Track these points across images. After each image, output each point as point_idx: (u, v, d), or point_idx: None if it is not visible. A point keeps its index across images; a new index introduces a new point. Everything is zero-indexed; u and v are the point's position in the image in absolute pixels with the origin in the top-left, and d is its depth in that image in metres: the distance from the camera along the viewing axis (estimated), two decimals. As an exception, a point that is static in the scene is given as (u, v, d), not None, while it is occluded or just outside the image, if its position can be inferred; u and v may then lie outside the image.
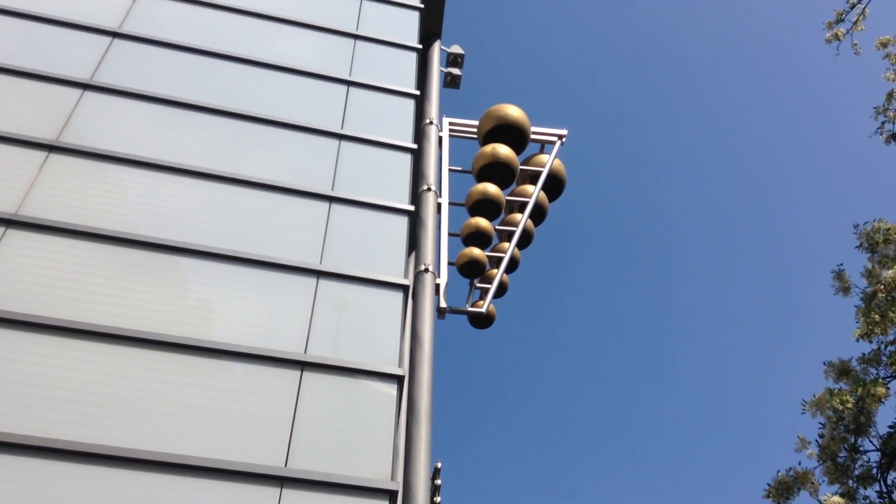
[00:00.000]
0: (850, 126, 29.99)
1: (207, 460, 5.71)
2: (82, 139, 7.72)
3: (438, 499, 7.56)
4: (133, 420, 5.86)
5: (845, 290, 10.69)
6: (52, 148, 7.49)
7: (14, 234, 6.74)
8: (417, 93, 9.66)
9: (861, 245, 10.74)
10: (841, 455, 9.65)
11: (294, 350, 6.59)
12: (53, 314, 6.27)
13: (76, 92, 8.12)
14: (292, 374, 6.43)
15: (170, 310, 6.65)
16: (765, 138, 33.68)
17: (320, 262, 7.36)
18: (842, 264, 11.02)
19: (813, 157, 33.03)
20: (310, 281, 7.17)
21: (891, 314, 9.45)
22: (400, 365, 6.83)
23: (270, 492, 5.70)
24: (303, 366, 6.50)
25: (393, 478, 6.06)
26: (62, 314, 6.29)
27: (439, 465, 7.66)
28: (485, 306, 8.70)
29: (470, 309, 8.69)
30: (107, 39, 8.80)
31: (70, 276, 6.62)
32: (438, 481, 7.59)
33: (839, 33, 13.03)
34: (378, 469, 6.05)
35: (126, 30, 8.96)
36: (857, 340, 10.07)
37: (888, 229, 10.50)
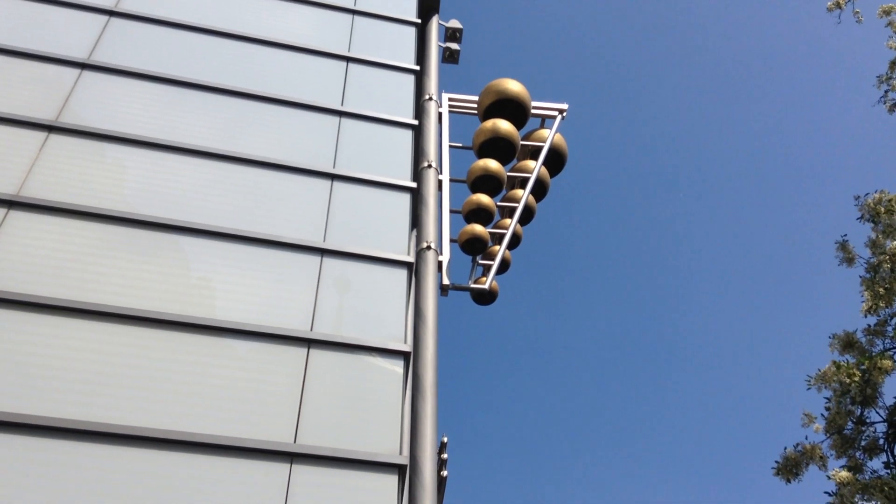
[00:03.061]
0: (853, 95, 29.87)
1: (217, 437, 5.73)
2: (82, 119, 7.67)
3: (445, 472, 7.60)
4: (139, 399, 5.87)
5: (849, 260, 10.69)
6: (51, 128, 7.44)
7: (16, 216, 6.71)
8: (417, 68, 9.60)
9: (863, 216, 10.73)
10: (848, 428, 9.68)
11: (300, 328, 6.60)
12: (56, 294, 6.26)
13: (74, 72, 8.06)
14: (299, 352, 6.43)
15: (172, 289, 6.64)
16: (767, 109, 33.57)
17: (324, 240, 7.34)
18: (846, 235, 11.04)
19: (815, 127, 32.93)
20: (314, 259, 7.16)
21: (896, 286, 9.46)
22: (405, 341, 6.84)
23: (280, 467, 5.73)
24: (309, 343, 6.50)
25: (401, 452, 6.09)
26: (65, 294, 6.29)
27: (445, 439, 7.68)
28: (487, 282, 8.70)
29: (473, 285, 8.69)
30: (103, 18, 8.72)
31: (72, 257, 6.61)
32: (445, 455, 7.62)
33: (840, 1, 12.92)
34: (386, 444, 6.08)
35: (123, 8, 8.87)
36: (865, 315, 10.09)
37: (890, 200, 10.48)
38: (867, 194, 10.85)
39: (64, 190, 7.02)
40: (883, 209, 10.50)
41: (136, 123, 7.79)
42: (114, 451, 5.55)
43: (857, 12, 13.02)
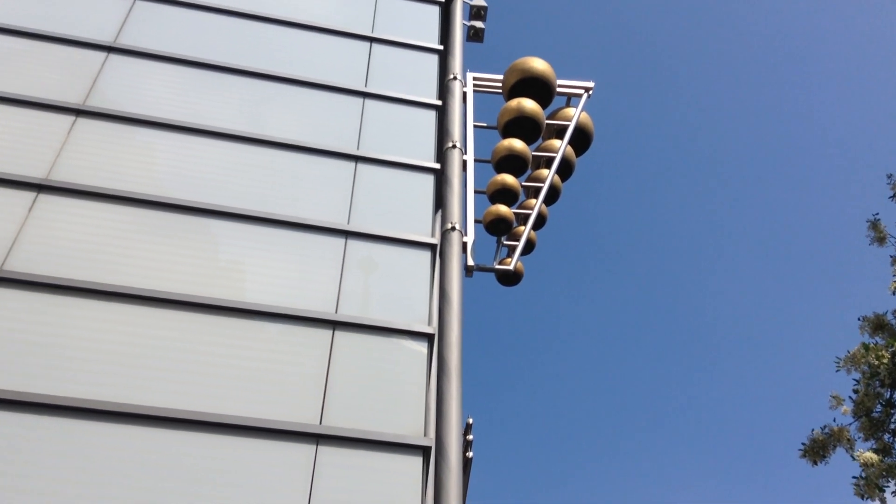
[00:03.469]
0: (885, 76, 29.26)
1: (244, 419, 5.80)
2: (109, 103, 7.73)
3: (470, 454, 7.64)
4: (166, 381, 5.95)
5: (881, 240, 10.54)
6: (79, 112, 7.51)
7: (45, 199, 6.80)
8: (441, 48, 9.54)
9: (895, 195, 10.56)
10: (876, 410, 9.59)
11: (325, 310, 6.64)
12: (86, 277, 6.35)
13: (101, 55, 8.11)
14: (324, 334, 6.48)
15: (201, 271, 6.70)
16: (797, 89, 32.99)
17: (348, 222, 7.36)
18: (877, 214, 10.87)
19: (845, 108, 32.34)
20: (338, 241, 7.18)
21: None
22: (430, 323, 6.86)
23: (307, 448, 5.79)
24: (334, 325, 6.55)
25: (426, 434, 6.13)
26: (95, 277, 6.37)
27: (470, 420, 7.71)
28: (512, 263, 8.67)
29: (497, 266, 8.66)
30: (128, 1, 8.75)
31: (101, 240, 6.69)
32: (470, 437, 7.66)
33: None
34: (411, 426, 6.12)
35: (147, -10, 8.90)
36: (894, 293, 9.95)
37: None
38: None
39: (92, 173, 7.09)
40: None
41: (163, 106, 7.84)
42: (140, 431, 5.64)
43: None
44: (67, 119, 7.43)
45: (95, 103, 7.65)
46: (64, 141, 7.25)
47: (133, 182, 7.13)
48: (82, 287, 6.27)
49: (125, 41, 8.32)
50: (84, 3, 8.62)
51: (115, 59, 8.15)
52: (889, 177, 10.80)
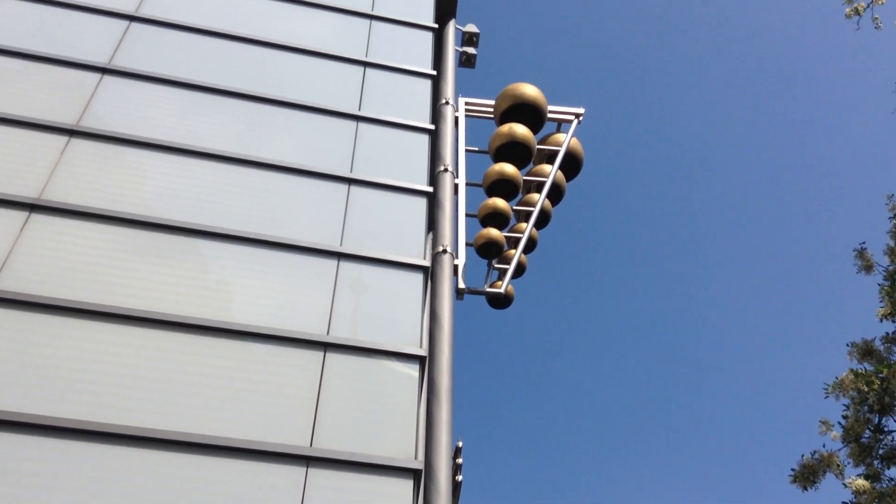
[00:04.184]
0: (872, 102, 29.66)
1: (234, 440, 5.77)
2: (103, 124, 7.76)
3: (460, 477, 7.60)
4: (158, 401, 5.92)
5: (868, 268, 10.65)
6: (73, 133, 7.53)
7: (37, 219, 6.80)
8: (434, 72, 9.63)
9: (894, 216, 10.67)
10: (865, 436, 9.64)
11: (317, 331, 6.63)
12: (77, 297, 6.33)
13: (95, 76, 8.15)
14: (316, 356, 6.47)
15: (192, 292, 6.70)
16: (785, 115, 33.35)
17: (341, 244, 7.38)
18: (864, 243, 11.01)
19: (833, 134, 32.70)
20: (331, 263, 7.20)
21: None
22: (421, 346, 6.86)
23: (297, 471, 5.76)
24: (326, 347, 6.54)
25: (416, 457, 6.11)
26: (86, 297, 6.35)
27: (460, 444, 7.68)
28: (503, 287, 8.71)
29: (488, 290, 8.70)
30: (124, 23, 8.81)
31: (92, 260, 6.68)
32: (460, 460, 7.62)
33: (859, 8, 12.85)
34: (402, 448, 6.10)
35: (143, 13, 8.96)
36: (881, 320, 10.04)
37: None
38: None
39: (85, 193, 7.09)
40: None
41: (157, 128, 7.86)
42: (130, 452, 5.61)
43: (877, 18, 12.94)
44: (61, 139, 7.45)
45: (89, 124, 7.67)
46: (57, 161, 7.26)
47: (126, 203, 7.14)
48: (73, 307, 6.25)
49: (120, 62, 8.36)
50: (80, 24, 8.68)
51: (109, 80, 8.18)
52: (889, 197, 10.94)
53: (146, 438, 5.66)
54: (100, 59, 8.31)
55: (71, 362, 5.98)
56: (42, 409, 5.64)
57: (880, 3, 12.88)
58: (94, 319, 6.25)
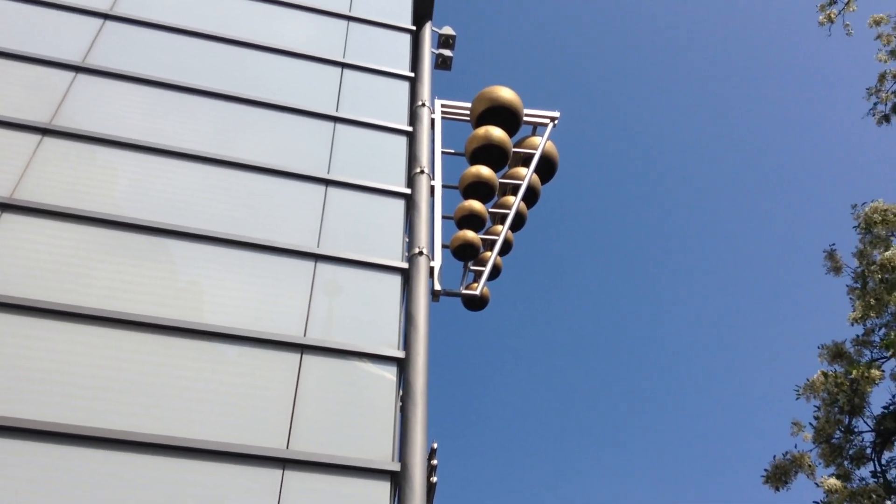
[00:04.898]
0: (843, 107, 30.13)
1: (209, 443, 5.73)
2: (76, 122, 7.67)
3: (435, 478, 7.59)
4: (131, 403, 5.86)
5: (837, 269, 10.81)
6: (45, 131, 7.43)
7: (9, 218, 6.70)
8: (411, 74, 9.63)
9: (859, 225, 10.84)
10: (835, 437, 9.79)
11: (294, 333, 6.61)
12: (49, 298, 6.25)
13: (69, 75, 8.05)
14: (292, 358, 6.44)
15: (167, 294, 6.64)
16: (757, 121, 33.78)
17: (318, 246, 7.36)
18: (834, 244, 11.18)
19: (805, 139, 33.17)
20: (307, 264, 7.17)
21: (886, 297, 9.56)
22: (398, 347, 6.86)
23: (273, 473, 5.73)
24: (302, 349, 6.51)
25: (393, 459, 6.11)
26: (57, 298, 6.27)
27: (435, 445, 7.68)
28: (479, 289, 8.72)
29: (464, 291, 8.70)
30: (98, 21, 8.72)
31: (63, 260, 6.60)
32: (435, 461, 7.62)
33: (832, 15, 13.06)
34: (379, 450, 6.09)
35: (118, 11, 8.87)
36: (852, 324, 10.21)
37: (885, 210, 10.60)
38: (864, 203, 10.99)
39: (57, 193, 7.01)
40: (879, 219, 10.60)
41: (131, 127, 7.79)
42: (103, 455, 5.54)
43: (848, 25, 13.16)
44: (34, 138, 7.35)
45: (63, 123, 7.58)
46: (29, 160, 7.17)
47: (100, 202, 7.06)
48: (46, 308, 6.16)
49: (94, 61, 8.27)
50: (54, 22, 8.57)
51: (83, 78, 8.09)
52: (854, 206, 11.11)
53: (118, 441, 5.59)
54: (74, 58, 8.21)
55: (42, 363, 5.90)
56: (14, 411, 5.55)
57: (852, 10, 13.11)
58: (67, 320, 6.18)
